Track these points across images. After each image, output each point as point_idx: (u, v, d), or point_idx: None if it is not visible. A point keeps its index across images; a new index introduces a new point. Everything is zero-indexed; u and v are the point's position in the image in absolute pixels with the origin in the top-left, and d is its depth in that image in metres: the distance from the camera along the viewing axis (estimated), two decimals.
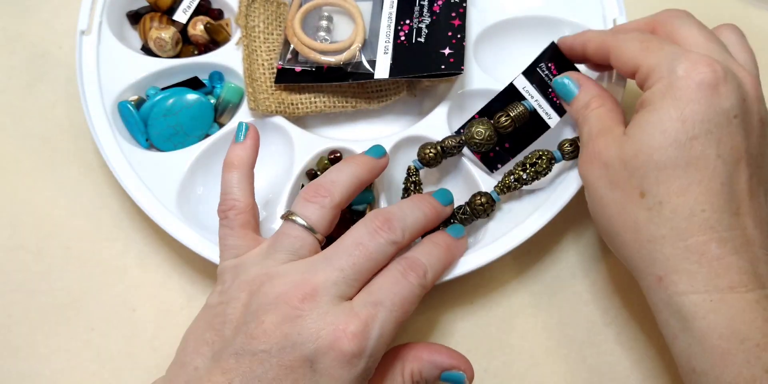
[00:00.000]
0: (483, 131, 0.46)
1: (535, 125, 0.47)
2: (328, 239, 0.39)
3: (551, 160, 0.45)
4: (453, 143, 0.47)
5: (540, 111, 0.47)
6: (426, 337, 0.48)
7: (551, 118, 0.47)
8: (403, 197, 0.48)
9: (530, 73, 0.47)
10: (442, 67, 0.48)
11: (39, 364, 0.47)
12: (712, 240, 0.33)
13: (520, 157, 0.48)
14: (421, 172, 0.48)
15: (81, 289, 0.49)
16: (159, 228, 0.45)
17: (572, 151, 0.45)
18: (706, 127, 0.34)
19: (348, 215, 0.48)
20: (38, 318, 0.48)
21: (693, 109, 0.34)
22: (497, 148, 0.48)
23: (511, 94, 0.47)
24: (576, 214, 0.49)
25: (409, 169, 0.47)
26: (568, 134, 0.49)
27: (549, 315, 0.48)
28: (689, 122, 0.34)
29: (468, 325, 0.48)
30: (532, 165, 0.45)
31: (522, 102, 0.46)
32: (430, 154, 0.46)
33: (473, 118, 0.48)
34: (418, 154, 0.47)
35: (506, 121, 0.46)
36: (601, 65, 0.45)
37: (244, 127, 0.42)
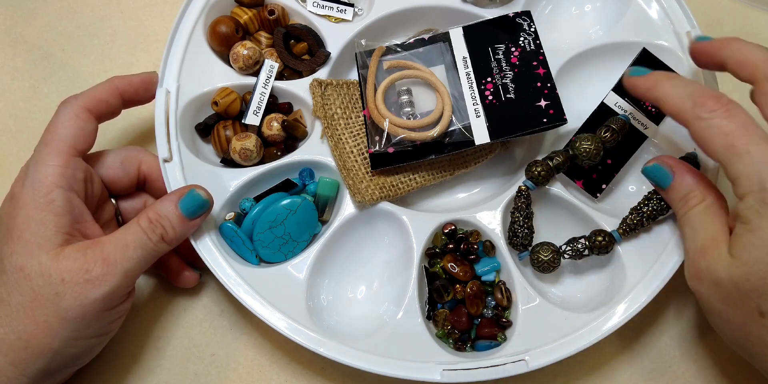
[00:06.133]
0: (590, 145, 0.45)
1: (632, 137, 0.48)
2: None
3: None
4: (561, 160, 0.46)
5: (635, 122, 0.48)
6: None
7: (647, 128, 0.48)
8: (512, 218, 0.46)
9: (621, 87, 0.46)
10: (544, 120, 0.46)
11: None
12: None
13: (622, 174, 0.48)
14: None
15: None
16: None
17: None
18: None
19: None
20: None
21: None
22: (599, 167, 0.48)
23: (603, 113, 0.48)
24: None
25: (520, 189, 0.46)
26: (665, 142, 0.48)
27: None
28: None
29: None
30: (648, 200, 0.45)
31: (618, 116, 0.47)
32: (541, 173, 0.46)
33: (576, 134, 0.47)
34: (528, 173, 0.46)
35: (611, 135, 0.46)
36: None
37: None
